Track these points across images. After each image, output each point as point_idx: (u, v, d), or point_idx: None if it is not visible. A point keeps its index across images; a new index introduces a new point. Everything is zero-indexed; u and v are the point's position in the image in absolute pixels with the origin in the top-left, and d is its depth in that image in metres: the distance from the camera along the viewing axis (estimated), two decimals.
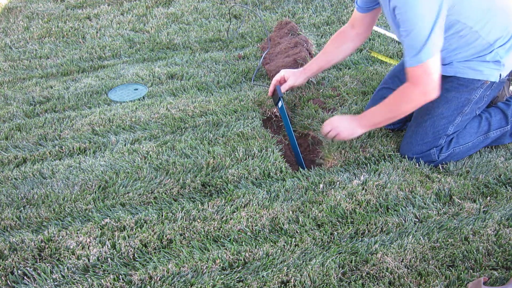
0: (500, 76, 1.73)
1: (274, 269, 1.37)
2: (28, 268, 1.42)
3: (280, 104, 2.05)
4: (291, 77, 2.12)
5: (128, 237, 1.51)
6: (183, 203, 1.65)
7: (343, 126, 1.82)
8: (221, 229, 1.53)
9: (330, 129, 1.84)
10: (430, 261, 1.39)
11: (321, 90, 2.36)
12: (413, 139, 1.83)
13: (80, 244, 1.49)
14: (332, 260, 1.39)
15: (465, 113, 1.80)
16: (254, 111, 2.21)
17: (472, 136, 1.84)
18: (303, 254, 1.43)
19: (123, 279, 1.36)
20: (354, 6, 1.93)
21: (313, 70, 2.13)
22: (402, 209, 1.59)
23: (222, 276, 1.35)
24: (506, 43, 1.69)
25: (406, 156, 1.86)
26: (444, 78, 1.80)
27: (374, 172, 1.77)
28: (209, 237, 1.51)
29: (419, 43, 1.51)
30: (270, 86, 2.16)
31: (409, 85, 1.64)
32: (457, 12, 1.57)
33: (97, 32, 3.31)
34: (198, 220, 1.57)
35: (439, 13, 1.49)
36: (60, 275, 1.39)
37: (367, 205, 1.61)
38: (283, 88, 2.13)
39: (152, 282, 1.35)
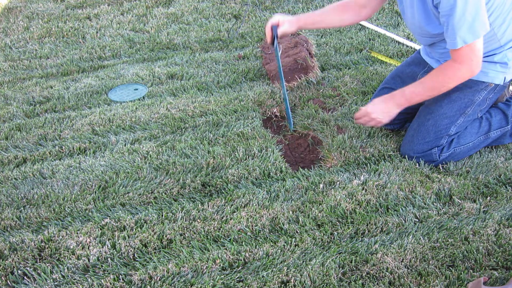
0: (505, 79, 1.73)
1: (274, 269, 1.37)
2: (28, 268, 1.42)
3: (275, 44, 2.00)
4: (286, 24, 1.99)
5: (128, 237, 1.51)
6: (183, 203, 1.65)
7: (380, 111, 1.78)
8: (221, 229, 1.53)
9: (368, 121, 1.82)
10: (430, 261, 1.39)
11: (321, 90, 2.36)
12: (415, 138, 1.83)
13: (80, 244, 1.49)
14: (332, 260, 1.39)
15: (467, 114, 1.80)
16: (254, 111, 2.21)
17: (473, 136, 1.84)
18: (303, 254, 1.43)
19: (123, 279, 1.36)
20: None
21: (307, 23, 2.03)
22: (402, 209, 1.59)
23: (222, 276, 1.35)
24: None
25: (406, 155, 1.86)
26: None
27: (374, 172, 1.77)
28: (209, 237, 1.51)
29: (464, 24, 1.49)
30: (266, 30, 2.02)
31: (454, 64, 1.63)
32: (489, 2, 1.55)
33: (97, 32, 3.31)
34: (198, 220, 1.57)
35: None
36: (60, 275, 1.39)
37: (367, 205, 1.61)
38: (279, 31, 1.98)
39: (152, 282, 1.35)
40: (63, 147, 2.01)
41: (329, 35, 3.01)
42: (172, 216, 1.59)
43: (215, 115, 2.17)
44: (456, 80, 1.67)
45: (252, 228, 1.53)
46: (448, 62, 1.67)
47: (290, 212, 1.59)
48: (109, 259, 1.44)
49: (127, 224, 1.56)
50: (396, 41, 2.87)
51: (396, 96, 1.77)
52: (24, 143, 2.07)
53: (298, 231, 1.51)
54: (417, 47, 2.74)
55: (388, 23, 3.15)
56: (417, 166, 1.81)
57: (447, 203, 1.63)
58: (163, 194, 1.71)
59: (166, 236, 1.51)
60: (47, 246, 1.49)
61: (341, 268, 1.37)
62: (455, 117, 1.79)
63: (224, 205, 1.63)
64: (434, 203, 1.62)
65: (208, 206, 1.63)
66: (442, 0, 1.49)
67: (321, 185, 1.70)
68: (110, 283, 1.35)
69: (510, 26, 1.64)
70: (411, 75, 1.99)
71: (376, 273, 1.36)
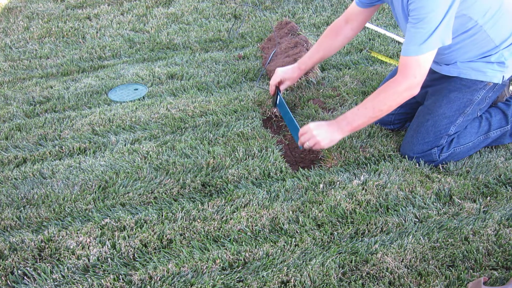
0: (503, 78, 1.73)
1: (274, 269, 1.37)
2: (28, 268, 1.42)
3: (278, 101, 2.06)
4: (288, 80, 2.11)
5: (128, 237, 1.51)
6: (183, 203, 1.65)
7: (322, 134, 1.70)
8: (221, 229, 1.53)
9: (308, 138, 1.73)
10: (430, 261, 1.39)
11: (321, 90, 2.36)
12: (414, 139, 1.83)
13: (80, 244, 1.49)
14: (332, 260, 1.39)
15: (467, 114, 1.80)
16: (254, 111, 2.21)
17: (473, 136, 1.84)
18: (303, 254, 1.43)
19: (123, 279, 1.36)
20: (355, 1, 1.90)
21: (308, 67, 2.11)
22: (402, 209, 1.59)
23: (222, 276, 1.35)
24: (511, 45, 1.69)
25: (406, 155, 1.86)
26: (447, 78, 1.80)
27: (374, 172, 1.77)
28: (209, 237, 1.51)
29: (426, 33, 1.50)
30: (270, 89, 2.15)
31: (398, 78, 1.61)
32: (469, 8, 1.56)
33: (97, 32, 3.31)
34: (198, 220, 1.57)
35: (451, 5, 1.47)
36: (60, 275, 1.39)
37: (367, 205, 1.61)
38: (282, 88, 2.13)
39: (152, 282, 1.35)
40: (63, 147, 2.01)
41: None
42: (172, 216, 1.59)
43: (215, 115, 2.17)
44: (396, 97, 1.62)
45: (252, 228, 1.53)
46: (391, 79, 1.64)
47: (290, 212, 1.59)
48: (109, 259, 1.44)
49: (127, 224, 1.56)
50: (396, 41, 2.87)
51: (339, 121, 1.71)
52: (24, 143, 2.07)
53: (298, 231, 1.51)
54: None
55: (388, 23, 3.15)
56: (417, 166, 1.81)
57: (447, 203, 1.63)
58: (163, 194, 1.71)
59: (166, 236, 1.51)
60: (47, 246, 1.49)
61: (341, 268, 1.37)
62: (454, 117, 1.80)
63: (224, 205, 1.63)
64: (434, 203, 1.62)
65: (208, 206, 1.63)
66: (413, 7, 1.50)
67: (321, 185, 1.70)
68: (110, 283, 1.35)
69: (502, 26, 1.65)
70: None
71: (376, 273, 1.36)
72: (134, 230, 1.54)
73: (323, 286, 1.32)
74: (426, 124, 1.82)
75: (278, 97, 2.08)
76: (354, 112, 1.69)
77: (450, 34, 1.53)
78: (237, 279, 1.35)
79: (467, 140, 1.83)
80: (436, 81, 1.86)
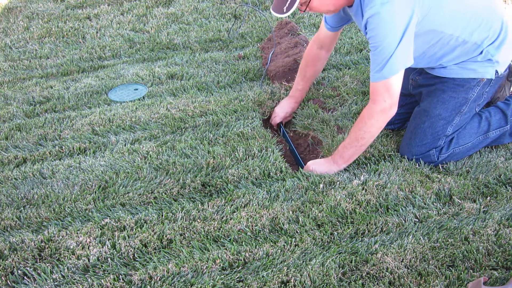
0: (497, 72, 1.73)
1: (274, 269, 1.37)
2: (28, 268, 1.42)
3: (282, 133, 2.24)
4: (289, 116, 2.25)
5: (128, 237, 1.51)
6: (183, 203, 1.65)
7: (318, 169, 1.83)
8: (221, 229, 1.53)
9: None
10: (430, 261, 1.39)
11: (321, 90, 2.36)
12: (412, 141, 1.83)
13: (80, 244, 1.49)
14: (332, 260, 1.39)
15: (463, 112, 1.80)
16: (254, 111, 2.21)
17: (472, 136, 1.84)
18: (303, 254, 1.43)
19: (123, 279, 1.36)
20: (325, 26, 1.97)
21: (303, 96, 2.25)
22: (402, 209, 1.59)
23: (222, 276, 1.35)
24: (495, 41, 1.69)
25: (405, 156, 1.86)
26: (439, 79, 1.80)
27: (374, 172, 1.77)
28: (209, 237, 1.51)
29: (384, 59, 1.54)
30: (274, 125, 2.27)
31: (369, 104, 1.67)
32: (431, 22, 1.58)
33: (97, 32, 3.31)
34: (198, 220, 1.57)
35: (405, 30, 1.50)
36: (60, 275, 1.39)
37: (367, 205, 1.61)
38: (284, 122, 2.27)
39: (152, 282, 1.35)
40: (63, 147, 2.01)
41: None
42: (172, 216, 1.59)
43: (215, 115, 2.17)
44: (374, 122, 1.68)
45: (252, 228, 1.53)
46: (366, 107, 1.71)
47: (290, 212, 1.59)
48: (109, 259, 1.44)
49: (127, 224, 1.56)
50: None
51: (334, 155, 1.83)
52: (24, 143, 2.07)
53: (298, 231, 1.51)
54: None
55: None
56: (417, 166, 1.81)
57: (447, 203, 1.63)
58: (163, 194, 1.71)
59: (166, 236, 1.51)
60: (47, 246, 1.49)
61: (341, 268, 1.37)
62: (450, 117, 1.79)
63: (224, 205, 1.63)
64: (434, 203, 1.62)
65: (208, 206, 1.63)
66: (370, 35, 1.55)
67: (321, 185, 1.70)
68: (110, 283, 1.35)
69: (477, 25, 1.65)
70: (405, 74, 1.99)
71: (376, 273, 1.36)
72: (134, 230, 1.54)
73: (323, 286, 1.32)
74: (423, 126, 1.82)
75: (282, 130, 2.23)
76: (343, 145, 1.79)
77: (411, 55, 1.57)
78: (237, 279, 1.35)
79: (466, 141, 1.83)
80: (429, 80, 1.86)
